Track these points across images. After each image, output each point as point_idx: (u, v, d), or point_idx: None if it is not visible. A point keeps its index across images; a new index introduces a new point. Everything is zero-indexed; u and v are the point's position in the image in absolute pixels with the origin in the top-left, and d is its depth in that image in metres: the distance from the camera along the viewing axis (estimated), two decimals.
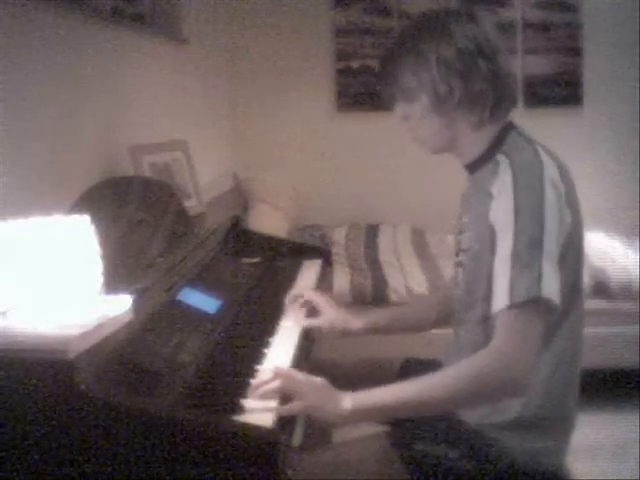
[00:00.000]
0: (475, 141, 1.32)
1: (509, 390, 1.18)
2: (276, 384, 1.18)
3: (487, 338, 1.20)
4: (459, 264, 1.36)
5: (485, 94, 1.27)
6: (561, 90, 3.82)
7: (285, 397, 1.18)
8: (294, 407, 1.17)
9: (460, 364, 1.20)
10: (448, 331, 1.46)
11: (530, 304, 1.14)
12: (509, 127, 1.32)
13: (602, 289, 2.79)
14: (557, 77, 3.83)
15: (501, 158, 1.26)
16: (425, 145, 1.37)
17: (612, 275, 2.84)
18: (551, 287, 1.14)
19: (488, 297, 1.21)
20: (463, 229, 1.36)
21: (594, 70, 3.84)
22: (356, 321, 1.61)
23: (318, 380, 1.22)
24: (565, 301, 1.23)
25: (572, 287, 1.25)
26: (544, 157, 1.24)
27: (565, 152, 1.35)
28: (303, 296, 1.65)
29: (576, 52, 3.82)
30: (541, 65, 3.82)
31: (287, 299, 1.66)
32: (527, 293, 1.13)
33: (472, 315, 1.32)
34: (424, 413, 1.25)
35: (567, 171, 1.28)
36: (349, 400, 1.18)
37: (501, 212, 1.19)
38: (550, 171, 1.21)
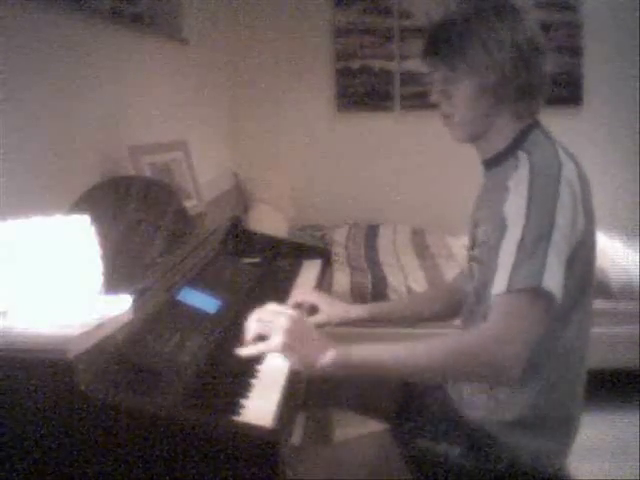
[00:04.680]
0: (500, 135, 1.31)
1: (494, 374, 1.13)
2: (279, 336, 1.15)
3: None
4: (473, 258, 1.34)
5: (536, 88, 1.28)
6: (561, 90, 3.82)
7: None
8: (276, 343, 1.15)
9: (449, 338, 1.18)
10: (450, 330, 1.46)
11: (528, 293, 1.12)
12: (533, 124, 1.32)
13: (602, 289, 2.78)
14: (557, 77, 3.83)
15: (521, 155, 1.25)
16: (457, 130, 1.33)
17: (612, 275, 2.83)
18: (553, 280, 1.12)
19: None
20: (478, 223, 1.35)
21: (594, 70, 3.84)
22: (357, 310, 1.62)
23: (308, 323, 1.21)
24: (571, 301, 1.23)
25: (580, 288, 1.25)
26: (563, 157, 1.23)
27: None
28: (302, 301, 1.62)
29: (576, 52, 3.83)
30: None
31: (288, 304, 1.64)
32: (526, 282, 1.12)
33: (484, 309, 1.28)
34: (406, 378, 1.22)
35: (584, 174, 1.27)
36: (333, 351, 1.14)
37: (514, 205, 1.19)
38: (568, 172, 1.20)
